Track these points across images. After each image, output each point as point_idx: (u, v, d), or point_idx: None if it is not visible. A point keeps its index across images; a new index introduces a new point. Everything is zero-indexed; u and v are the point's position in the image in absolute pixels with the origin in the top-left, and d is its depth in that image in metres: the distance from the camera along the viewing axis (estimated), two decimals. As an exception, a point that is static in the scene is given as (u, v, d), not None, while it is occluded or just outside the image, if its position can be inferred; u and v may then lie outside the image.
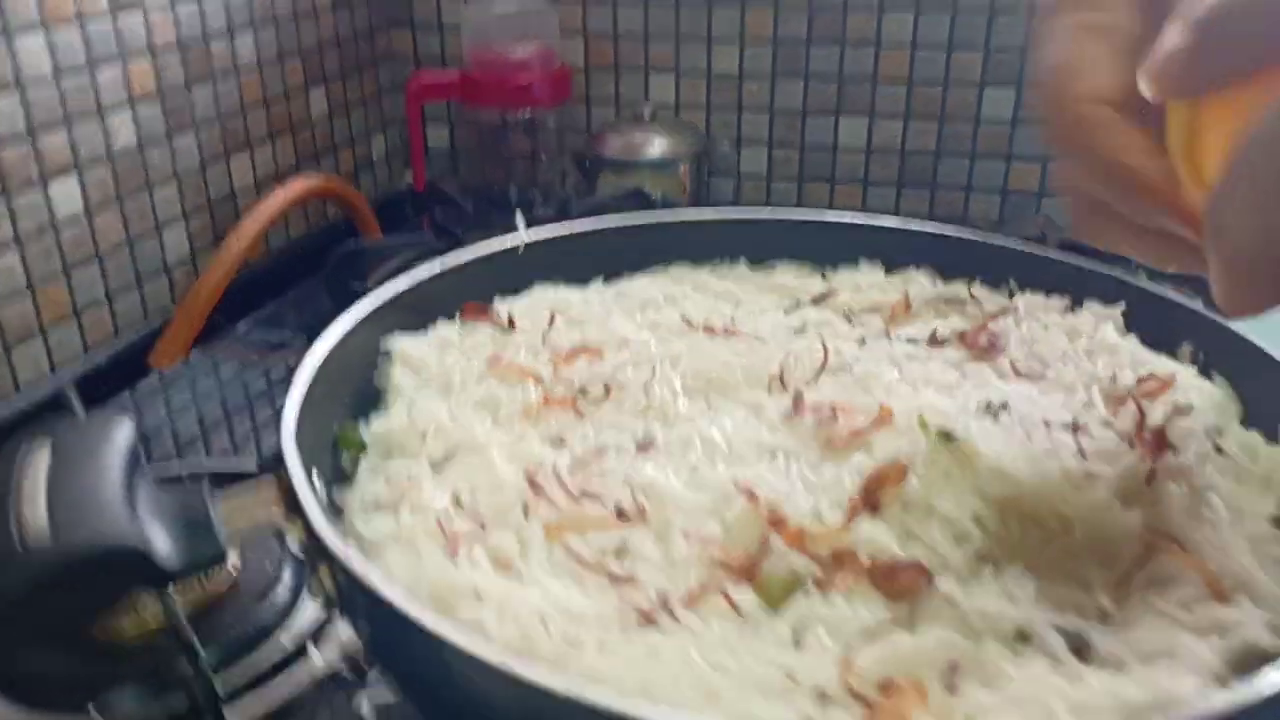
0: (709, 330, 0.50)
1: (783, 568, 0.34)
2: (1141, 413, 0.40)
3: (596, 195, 1.04)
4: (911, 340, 0.48)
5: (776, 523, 0.35)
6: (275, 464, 0.61)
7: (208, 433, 0.75)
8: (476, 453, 0.39)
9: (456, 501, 0.37)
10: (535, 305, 0.52)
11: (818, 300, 0.54)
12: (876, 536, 0.35)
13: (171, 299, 0.89)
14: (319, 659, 0.51)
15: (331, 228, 1.06)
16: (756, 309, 0.54)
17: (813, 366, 0.45)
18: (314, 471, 0.36)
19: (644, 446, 0.41)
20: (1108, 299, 0.50)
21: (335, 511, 0.38)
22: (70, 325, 0.81)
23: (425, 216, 1.11)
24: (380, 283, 0.88)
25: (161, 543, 0.30)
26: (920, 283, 0.54)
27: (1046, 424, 0.39)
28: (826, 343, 0.46)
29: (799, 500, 0.37)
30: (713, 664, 0.30)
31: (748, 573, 0.35)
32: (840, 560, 0.34)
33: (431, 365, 0.46)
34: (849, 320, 0.51)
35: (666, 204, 1.04)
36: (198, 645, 0.45)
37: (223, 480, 0.62)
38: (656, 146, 1.03)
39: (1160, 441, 0.38)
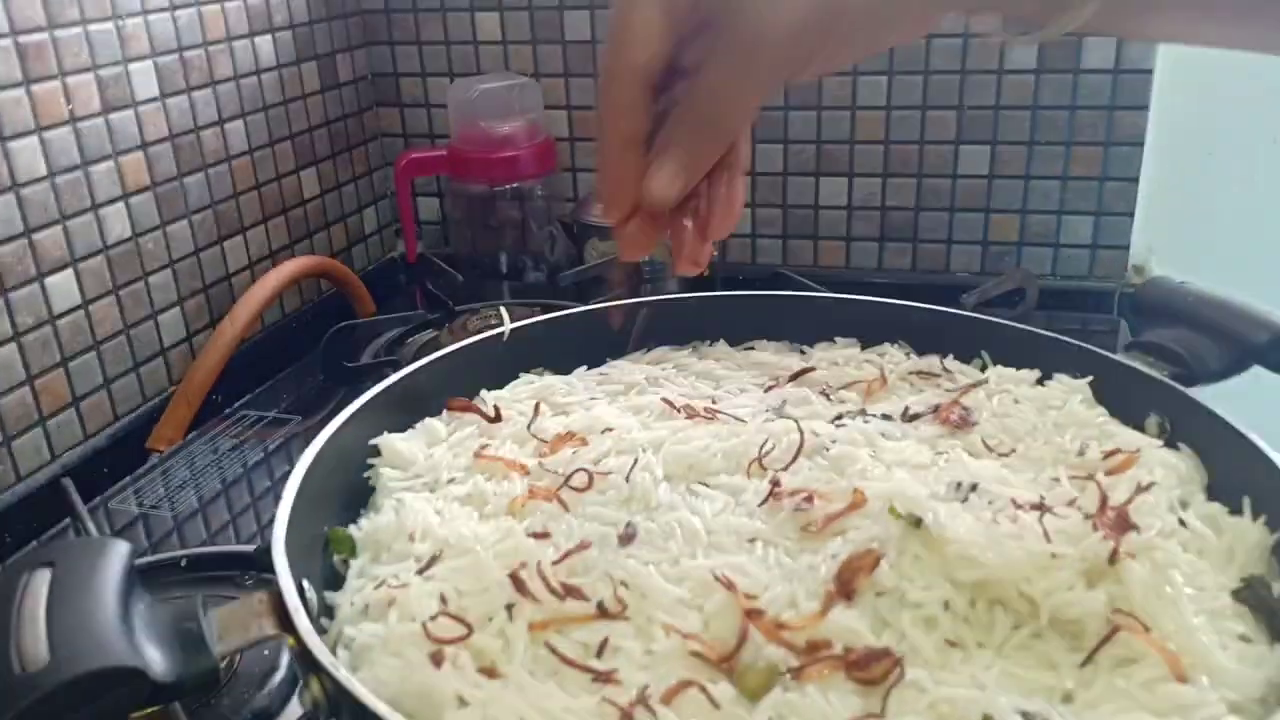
0: (690, 413, 0.51)
1: (760, 659, 0.35)
2: (1103, 493, 0.41)
3: (585, 261, 1.06)
4: (886, 417, 0.50)
5: (753, 614, 0.37)
6: (269, 550, 0.62)
7: (206, 511, 0.77)
8: (464, 553, 0.40)
9: (443, 603, 0.38)
10: (520, 394, 0.53)
11: (795, 377, 0.55)
12: (851, 625, 0.36)
13: (169, 379, 0.91)
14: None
15: (325, 302, 1.08)
16: (736, 387, 0.55)
17: (789, 449, 0.46)
18: (305, 582, 0.37)
19: (626, 538, 0.42)
20: (1077, 370, 0.52)
21: (327, 613, 0.39)
22: (69, 413, 0.82)
23: (417, 287, 1.13)
24: (375, 358, 0.91)
25: (157, 661, 0.32)
26: (895, 356, 0.56)
27: (1015, 504, 0.40)
28: (803, 425, 0.47)
29: (776, 589, 0.38)
30: (691, 763, 0.31)
31: (726, 664, 0.36)
32: (815, 649, 0.36)
33: (419, 461, 0.48)
34: (827, 397, 0.53)
35: (656, 268, 1.06)
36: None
37: (223, 561, 0.64)
38: (641, 213, 1.05)
39: (1123, 521, 0.39)
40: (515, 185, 1.09)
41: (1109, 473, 0.43)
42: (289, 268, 0.94)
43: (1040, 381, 0.52)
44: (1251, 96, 1.02)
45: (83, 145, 0.82)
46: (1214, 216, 1.07)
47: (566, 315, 0.57)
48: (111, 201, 0.84)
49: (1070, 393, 0.50)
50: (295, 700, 0.55)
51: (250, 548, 0.61)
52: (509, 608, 0.37)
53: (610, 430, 0.50)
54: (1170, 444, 0.47)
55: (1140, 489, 0.41)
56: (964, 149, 1.06)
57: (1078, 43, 1.00)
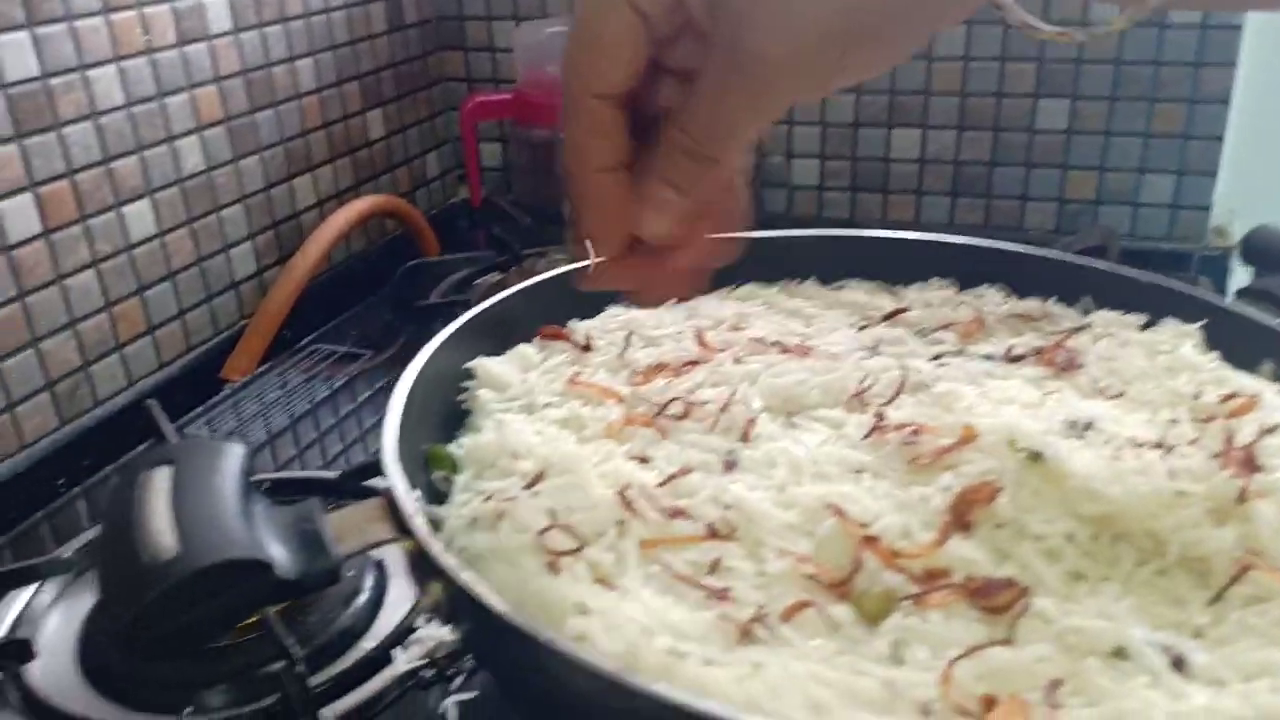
0: (783, 348, 0.50)
1: (877, 585, 0.35)
2: (1230, 431, 0.40)
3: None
4: (988, 357, 0.48)
5: (869, 540, 0.36)
6: (356, 475, 0.62)
7: (275, 443, 0.77)
8: (568, 471, 0.40)
9: (552, 517, 0.38)
10: (610, 325, 0.53)
11: (889, 317, 0.54)
12: (970, 555, 0.35)
13: (239, 313, 0.92)
14: (403, 661, 0.52)
15: (390, 243, 1.08)
16: (827, 327, 0.54)
17: (890, 385, 0.46)
18: (417, 491, 0.37)
19: (729, 465, 0.41)
20: (1184, 317, 0.50)
21: (433, 528, 0.39)
22: (145, 341, 0.83)
23: (481, 231, 1.12)
24: (443, 297, 0.91)
25: (282, 557, 0.32)
26: (992, 299, 0.54)
27: (1133, 443, 0.39)
28: (904, 360, 0.47)
29: (888, 519, 0.37)
30: (815, 678, 0.31)
31: (841, 589, 0.35)
32: (934, 578, 0.35)
33: (515, 385, 0.47)
34: (922, 338, 0.52)
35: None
36: (293, 648, 0.47)
37: (304, 486, 0.64)
38: (709, 161, 1.04)
39: (1249, 460, 0.38)
40: (580, 131, 1.08)
41: (1229, 416, 0.42)
42: (359, 205, 0.94)
43: (1147, 327, 0.51)
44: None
45: (159, 76, 0.82)
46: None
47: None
48: (187, 134, 0.85)
49: (1180, 337, 0.49)
50: (380, 617, 0.55)
51: (333, 474, 0.62)
52: (619, 524, 0.37)
53: (703, 363, 0.49)
54: (1287, 391, 0.45)
55: (1266, 431, 0.39)
56: (1043, 102, 1.03)
57: (1169, -8, 0.97)
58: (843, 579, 0.35)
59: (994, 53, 1.02)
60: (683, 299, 0.41)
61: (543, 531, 0.36)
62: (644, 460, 0.42)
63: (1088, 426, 0.40)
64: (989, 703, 0.30)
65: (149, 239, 0.82)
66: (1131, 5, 0.37)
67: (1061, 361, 0.47)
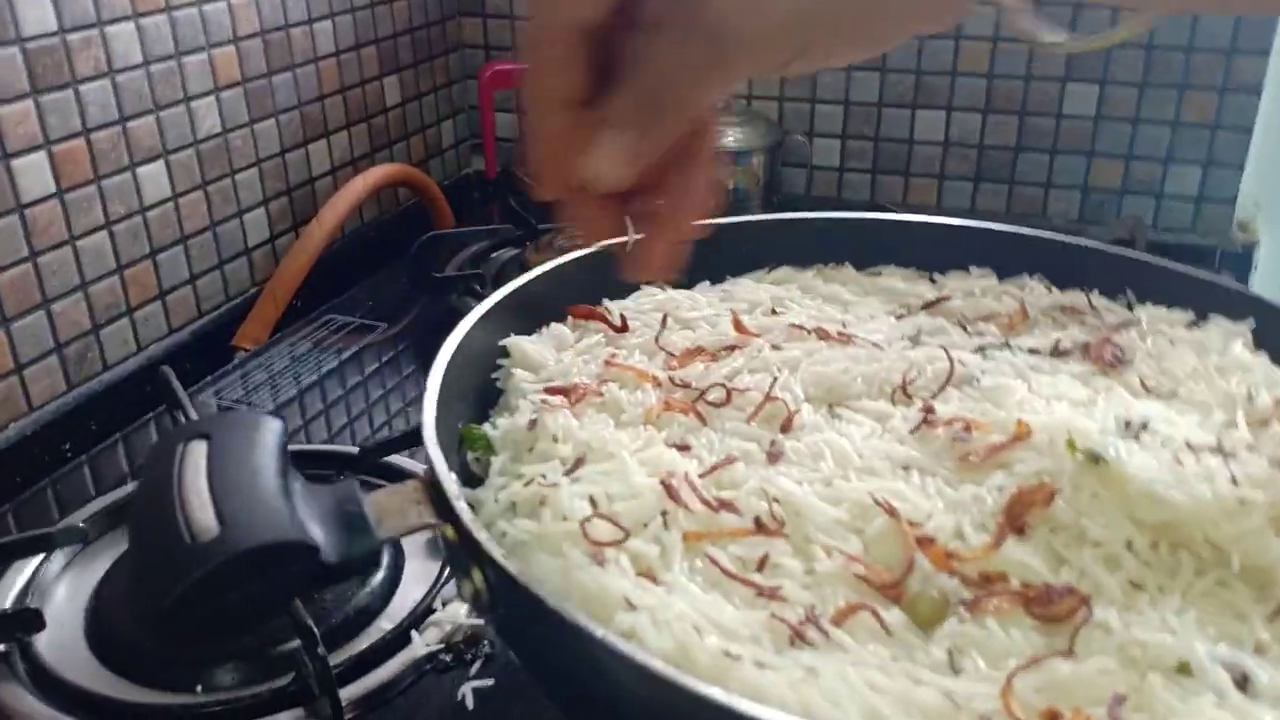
0: (822, 335, 0.49)
1: (930, 589, 0.34)
2: (1290, 438, 0.39)
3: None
4: (1034, 351, 0.47)
5: (923, 541, 0.35)
6: (376, 451, 0.61)
7: (283, 412, 0.76)
8: (609, 458, 0.39)
9: (594, 505, 0.37)
10: (644, 306, 0.51)
11: (929, 306, 0.53)
12: (1026, 560, 0.34)
13: (251, 280, 0.90)
14: (421, 644, 0.51)
15: (404, 214, 1.07)
16: (865, 314, 0.53)
17: (937, 377, 0.44)
18: (453, 474, 0.36)
19: (773, 456, 0.40)
20: (1231, 313, 0.49)
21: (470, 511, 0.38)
22: (156, 305, 0.82)
23: (495, 204, 1.11)
24: (460, 270, 0.89)
25: (324, 540, 0.31)
26: (1035, 290, 0.53)
27: (1190, 446, 0.38)
28: (950, 353, 0.45)
29: (940, 518, 0.36)
30: (871, 685, 0.30)
31: (893, 591, 0.34)
32: (990, 582, 0.34)
33: (550, 365, 0.46)
34: (964, 328, 0.50)
35: (740, 195, 1.03)
36: (315, 629, 0.46)
37: (323, 460, 0.63)
38: (730, 138, 1.02)
39: (1311, 468, 0.37)
40: (600, 104, 1.06)
41: (1286, 420, 0.41)
42: (376, 174, 0.92)
43: (1195, 324, 0.49)
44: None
45: (177, 35, 0.80)
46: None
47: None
48: (203, 95, 0.83)
49: (1230, 336, 0.47)
50: (397, 598, 0.54)
51: (354, 448, 0.61)
52: (663, 515, 0.36)
53: (740, 348, 0.48)
54: (1339, 396, 0.44)
55: (1327, 436, 0.38)
56: (1070, 86, 1.01)
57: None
58: (895, 581, 0.34)
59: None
60: (660, 280, 0.42)
61: (586, 520, 0.35)
62: (684, 448, 0.41)
63: (1143, 427, 0.39)
64: (1051, 716, 0.29)
65: (162, 201, 0.81)
66: (1130, 19, 0.36)
67: (1109, 358, 0.46)
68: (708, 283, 0.55)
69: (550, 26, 0.34)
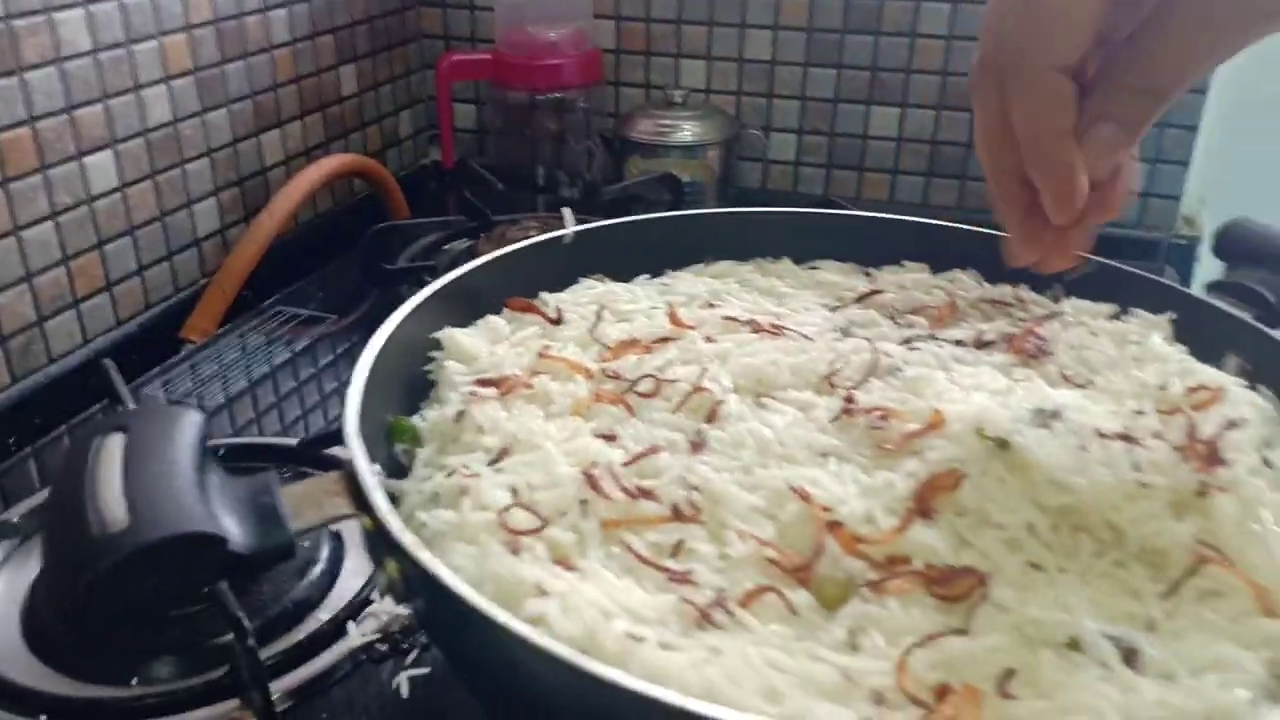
0: (755, 327, 0.50)
1: (837, 571, 0.35)
2: (1193, 425, 0.40)
3: (625, 178, 1.04)
4: (959, 343, 0.48)
5: (832, 526, 0.36)
6: (315, 444, 0.61)
7: (233, 406, 0.76)
8: (533, 449, 0.39)
9: (515, 495, 0.37)
10: (581, 299, 0.52)
11: (862, 299, 0.54)
12: (930, 542, 0.35)
13: (201, 271, 0.90)
14: (356, 635, 0.52)
15: (358, 205, 1.06)
16: (800, 306, 0.54)
17: (861, 368, 0.45)
18: (376, 466, 0.36)
19: (696, 445, 0.41)
20: (1153, 306, 0.50)
21: (392, 502, 0.39)
22: (103, 297, 0.81)
23: (451, 195, 1.11)
24: (412, 262, 0.89)
25: (236, 532, 0.31)
26: (965, 283, 0.54)
27: (1099, 434, 0.39)
28: (875, 344, 0.46)
29: (853, 504, 0.37)
30: (772, 664, 0.31)
31: (802, 575, 0.35)
32: (894, 564, 0.35)
33: (483, 357, 0.47)
34: (894, 320, 0.51)
35: (695, 189, 1.04)
36: (244, 620, 0.46)
37: (261, 453, 0.63)
38: (687, 131, 1.03)
39: (1212, 454, 0.38)
40: (558, 96, 1.06)
41: (1194, 409, 0.42)
42: (329, 164, 0.92)
43: (1117, 316, 0.51)
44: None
45: (129, 22, 0.79)
46: (1271, 171, 1.04)
47: (633, 222, 0.56)
48: (154, 83, 0.82)
49: (1149, 328, 0.49)
50: (334, 590, 0.55)
51: (292, 441, 0.61)
52: (582, 503, 0.37)
53: (674, 340, 0.49)
54: (1250, 386, 0.45)
55: (1229, 425, 0.40)
56: (1023, 85, 1.02)
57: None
58: (804, 564, 0.35)
59: (978, 31, 1.01)
60: (1076, 268, 0.44)
61: (504, 510, 0.36)
62: (611, 438, 0.42)
63: (1055, 415, 0.40)
64: (942, 692, 0.30)
65: (110, 191, 0.80)
66: None
67: (1031, 349, 0.47)
68: (647, 276, 0.56)
69: (1043, 68, 0.37)
